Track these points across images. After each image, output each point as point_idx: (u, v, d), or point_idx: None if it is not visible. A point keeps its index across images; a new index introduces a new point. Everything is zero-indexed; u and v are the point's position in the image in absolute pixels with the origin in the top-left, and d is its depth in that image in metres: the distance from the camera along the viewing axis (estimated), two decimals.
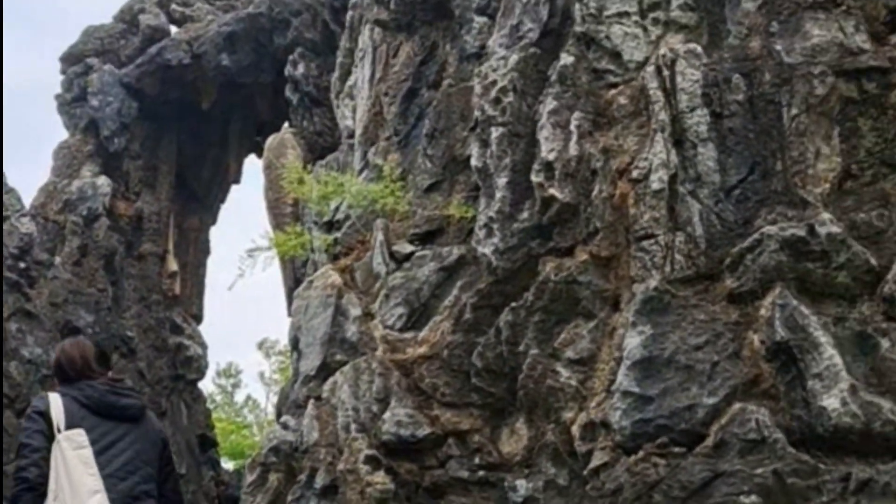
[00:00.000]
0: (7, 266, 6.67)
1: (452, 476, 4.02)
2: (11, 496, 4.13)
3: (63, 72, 7.74)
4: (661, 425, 3.45)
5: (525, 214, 4.01)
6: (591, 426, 3.61)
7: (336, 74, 5.80)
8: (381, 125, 5.07)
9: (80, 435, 3.93)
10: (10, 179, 7.21)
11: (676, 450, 3.42)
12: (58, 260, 7.05)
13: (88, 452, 3.87)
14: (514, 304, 3.95)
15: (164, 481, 4.14)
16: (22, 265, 6.77)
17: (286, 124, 6.89)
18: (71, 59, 7.76)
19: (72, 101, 7.67)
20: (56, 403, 3.99)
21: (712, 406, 3.42)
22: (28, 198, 7.42)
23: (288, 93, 6.74)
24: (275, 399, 12.85)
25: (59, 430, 4.08)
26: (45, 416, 3.91)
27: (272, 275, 5.07)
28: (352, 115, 5.44)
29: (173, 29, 7.80)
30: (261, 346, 13.88)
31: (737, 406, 3.39)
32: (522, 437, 3.93)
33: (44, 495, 3.86)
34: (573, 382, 3.73)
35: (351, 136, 5.42)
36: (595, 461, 3.56)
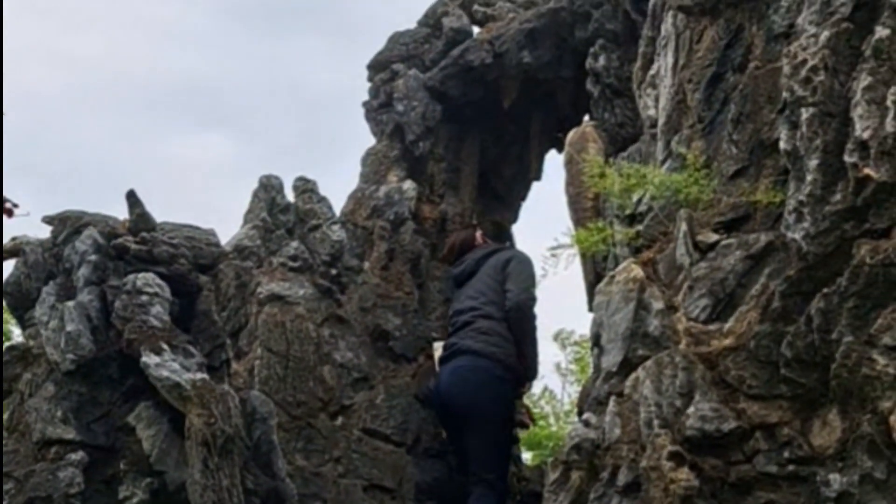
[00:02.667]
0: (319, 273, 7.13)
1: (760, 471, 4.05)
2: None
3: (370, 79, 8.18)
4: None
5: (838, 196, 3.99)
6: None
7: (638, 64, 5.93)
8: (684, 113, 5.16)
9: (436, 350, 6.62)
10: (322, 188, 7.69)
11: None
12: (366, 265, 7.42)
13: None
14: (826, 291, 3.94)
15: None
16: (333, 272, 7.18)
17: (587, 117, 7.05)
18: (377, 66, 8.19)
19: (378, 108, 8.07)
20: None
21: None
22: (338, 205, 7.83)
23: (589, 86, 6.90)
24: (570, 389, 13.07)
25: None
26: None
27: (570, 268, 5.40)
28: (654, 104, 5.56)
29: (475, 30, 8.09)
30: (556, 337, 14.10)
31: None
32: (836, 429, 3.91)
33: None
34: (891, 370, 3.67)
35: (653, 125, 5.54)
36: None
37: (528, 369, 6.48)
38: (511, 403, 6.46)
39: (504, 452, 6.35)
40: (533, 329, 6.45)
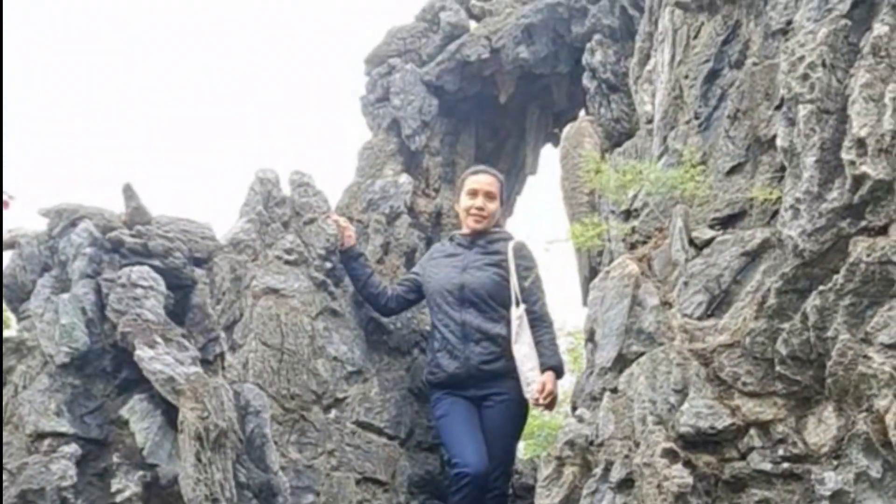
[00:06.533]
0: (314, 266, 7.05)
1: (754, 468, 4.02)
2: None
3: (367, 73, 8.16)
4: None
5: (834, 194, 3.96)
6: None
7: (634, 59, 5.90)
8: (680, 109, 5.12)
9: None
10: (318, 182, 7.62)
11: None
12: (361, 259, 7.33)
13: None
14: (822, 288, 3.91)
15: None
16: (328, 265, 7.10)
17: (582, 112, 7.01)
18: (375, 60, 8.14)
19: (375, 102, 8.04)
20: None
21: None
22: (334, 199, 7.76)
23: (585, 81, 6.87)
24: (563, 379, 13.08)
25: None
26: None
27: (563, 260, 5.35)
28: (650, 100, 5.53)
29: (472, 24, 8.06)
30: None
31: None
32: (831, 427, 3.88)
33: None
34: (887, 368, 3.64)
35: (649, 121, 5.51)
36: None
37: None
38: None
39: None
40: None
